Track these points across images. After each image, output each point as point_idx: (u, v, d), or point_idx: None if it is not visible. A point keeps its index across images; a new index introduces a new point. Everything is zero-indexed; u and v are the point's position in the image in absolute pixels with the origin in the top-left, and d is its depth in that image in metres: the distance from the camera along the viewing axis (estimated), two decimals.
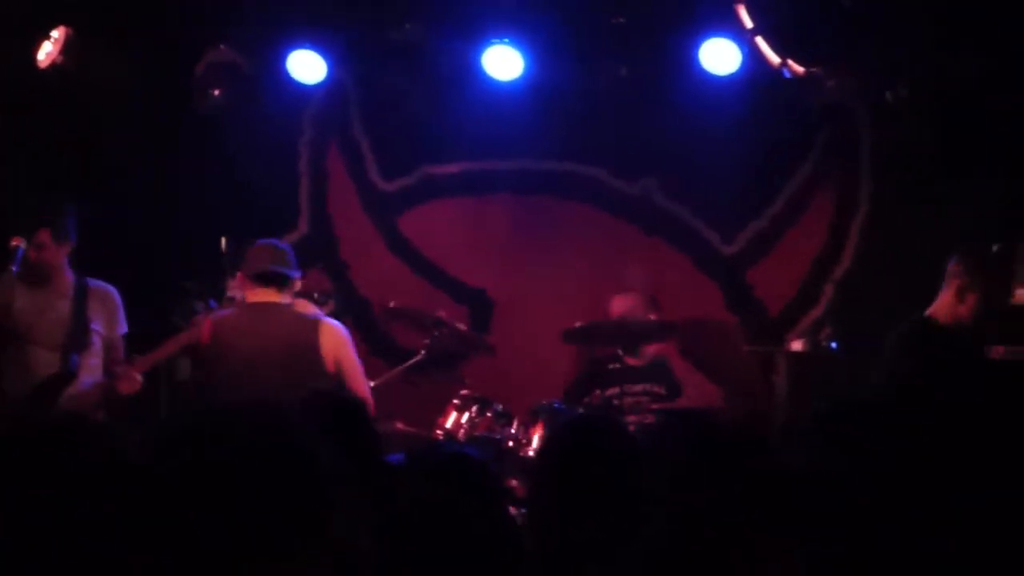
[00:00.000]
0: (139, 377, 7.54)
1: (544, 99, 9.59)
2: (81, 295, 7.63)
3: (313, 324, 7.51)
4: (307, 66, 9.24)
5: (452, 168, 10.41)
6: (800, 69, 8.40)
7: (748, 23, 8.37)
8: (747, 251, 10.13)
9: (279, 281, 7.54)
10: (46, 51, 8.72)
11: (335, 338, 7.53)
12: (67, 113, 9.32)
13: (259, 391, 7.00)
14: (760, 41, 8.39)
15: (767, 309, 10.06)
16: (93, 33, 8.93)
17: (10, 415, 7.41)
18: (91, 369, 7.63)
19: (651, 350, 9.17)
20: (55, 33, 8.69)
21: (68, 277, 7.61)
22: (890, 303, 9.27)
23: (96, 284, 7.72)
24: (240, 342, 7.37)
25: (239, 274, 7.64)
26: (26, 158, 9.41)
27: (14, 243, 7.38)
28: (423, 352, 8.82)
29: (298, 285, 7.70)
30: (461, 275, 10.38)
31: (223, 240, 9.51)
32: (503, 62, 9.04)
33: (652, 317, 8.95)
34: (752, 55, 8.53)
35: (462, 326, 9.09)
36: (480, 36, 9.02)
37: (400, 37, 9.17)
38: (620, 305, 9.04)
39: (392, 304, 9.25)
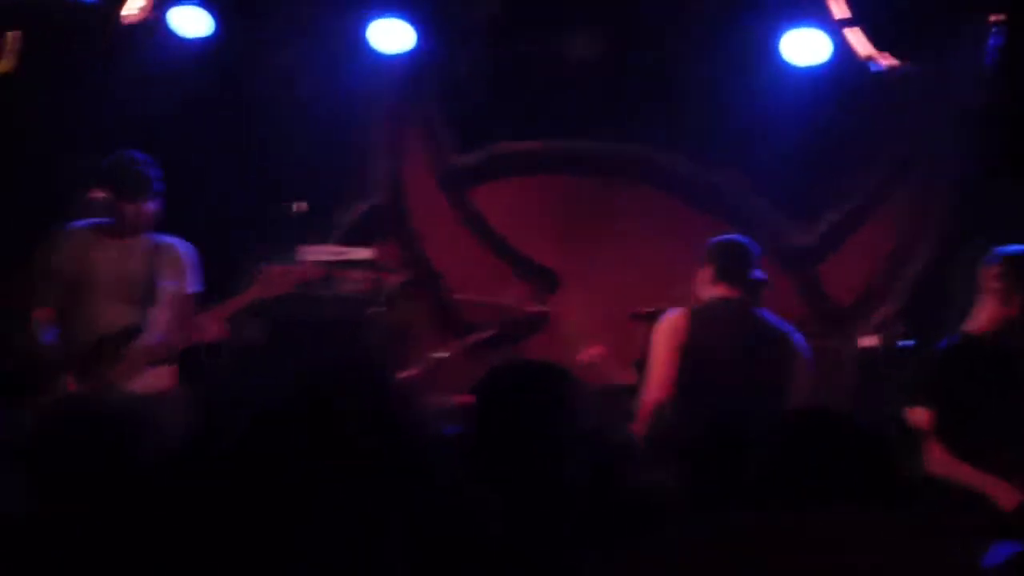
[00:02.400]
0: (218, 325, 7.56)
1: (624, 81, 9.55)
2: (154, 251, 7.67)
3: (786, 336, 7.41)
4: (388, 36, 9.22)
5: (527, 145, 10.37)
6: (888, 62, 8.32)
7: (839, 13, 8.30)
8: (821, 243, 10.05)
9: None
10: (131, 7, 8.74)
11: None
12: (149, 70, 9.35)
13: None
14: (849, 32, 8.32)
15: (839, 303, 9.98)
16: None
17: (79, 367, 7.45)
18: (159, 324, 7.66)
19: None
20: None
21: (145, 234, 7.64)
22: (964, 300, 9.19)
23: (169, 241, 7.76)
24: (718, 341, 7.20)
25: (709, 268, 7.36)
26: (102, 116, 9.46)
27: (93, 196, 7.43)
28: (490, 328, 8.83)
29: None
30: (530, 251, 10.35)
31: (295, 205, 9.54)
32: (584, 42, 9.01)
33: None
34: (839, 46, 8.47)
35: (529, 306, 9.09)
36: (562, 17, 8.99)
37: (483, 10, 9.16)
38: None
39: (459, 296, 9.26)
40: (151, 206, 7.56)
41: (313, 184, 10.04)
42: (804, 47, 8.66)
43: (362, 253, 9.47)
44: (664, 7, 8.93)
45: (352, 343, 9.05)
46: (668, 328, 7.23)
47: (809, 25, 8.53)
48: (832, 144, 9.73)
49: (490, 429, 4.15)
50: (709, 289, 7.32)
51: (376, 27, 9.22)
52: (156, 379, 7.62)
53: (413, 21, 9.19)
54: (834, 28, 8.40)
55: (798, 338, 7.38)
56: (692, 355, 7.13)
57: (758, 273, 7.38)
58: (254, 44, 9.59)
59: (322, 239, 9.87)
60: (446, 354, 8.52)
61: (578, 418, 4.28)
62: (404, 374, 8.61)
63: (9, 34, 8.47)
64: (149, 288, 7.62)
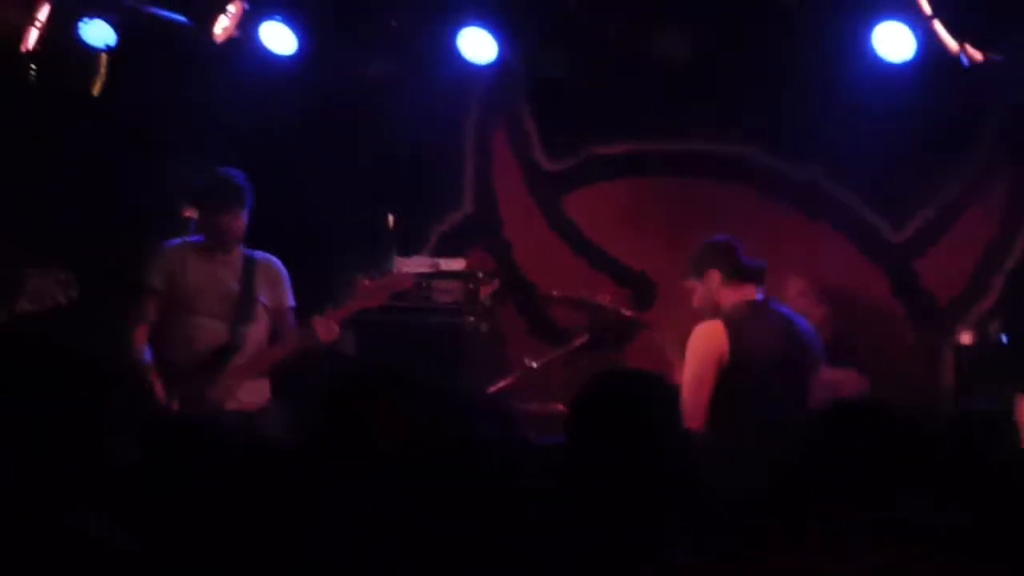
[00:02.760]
0: (336, 327, 7.62)
1: (712, 81, 9.52)
2: (249, 267, 7.74)
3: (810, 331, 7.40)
4: (477, 44, 9.23)
5: (617, 149, 10.35)
6: (979, 56, 8.24)
7: (927, 8, 8.22)
8: (916, 239, 9.94)
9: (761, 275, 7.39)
10: (222, 25, 8.83)
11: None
12: (240, 87, 9.44)
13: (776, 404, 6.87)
14: (938, 26, 8.24)
15: (936, 299, 9.88)
16: (264, 5, 9.04)
17: (177, 385, 7.53)
18: (257, 341, 7.73)
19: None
20: (231, 7, 8.79)
21: (238, 249, 7.71)
22: None
23: (263, 256, 7.84)
24: (760, 348, 7.09)
25: (714, 273, 7.29)
26: (196, 133, 9.57)
27: (187, 214, 7.52)
28: (585, 335, 8.83)
29: None
30: (623, 257, 10.33)
31: (389, 217, 9.60)
32: (672, 43, 8.99)
33: (820, 307, 8.86)
34: (929, 40, 8.39)
35: (625, 310, 9.08)
36: (650, 17, 8.97)
37: (568, 17, 9.16)
38: (793, 288, 8.92)
39: (555, 293, 9.27)
40: (243, 219, 7.63)
41: (406, 195, 10.11)
42: (894, 41, 8.59)
43: (456, 263, 9.52)
44: (752, 3, 8.88)
45: (445, 354, 9.09)
46: (706, 342, 7.08)
47: (898, 19, 8.45)
48: (925, 139, 9.64)
49: (588, 439, 4.15)
50: (725, 295, 7.21)
51: (465, 36, 9.23)
52: (253, 394, 7.69)
53: (498, 29, 9.18)
54: (922, 22, 8.31)
55: (815, 334, 7.35)
56: (735, 367, 6.99)
57: (757, 262, 7.31)
58: (343, 57, 9.64)
59: (416, 250, 9.94)
60: (541, 362, 8.51)
61: (675, 426, 4.29)
62: (500, 383, 8.62)
63: (100, 56, 8.58)
64: (245, 304, 7.69)
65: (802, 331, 7.33)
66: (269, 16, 9.11)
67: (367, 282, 7.87)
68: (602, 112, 10.11)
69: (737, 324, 7.07)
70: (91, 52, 8.74)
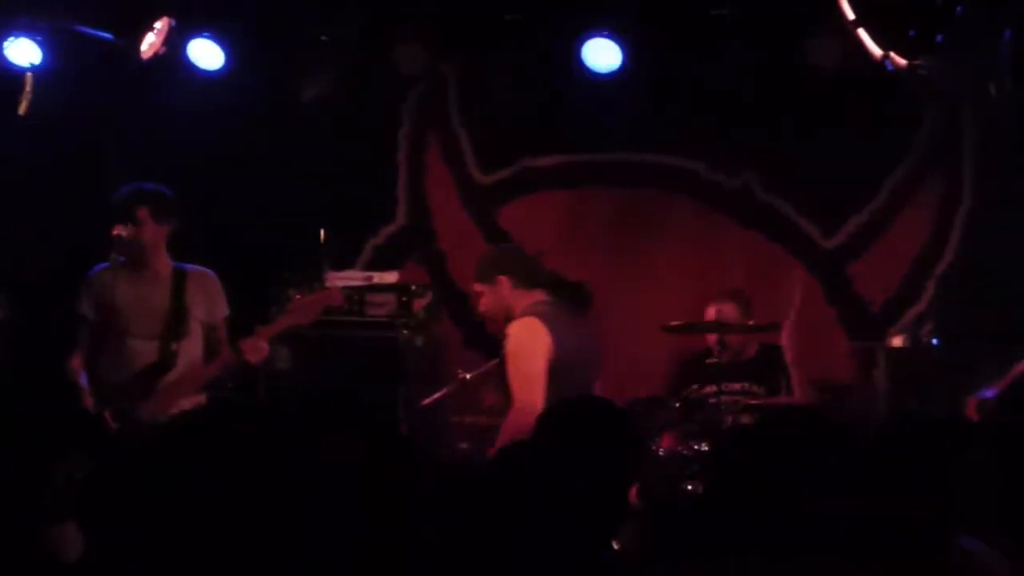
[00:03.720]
0: (265, 346, 7.57)
1: (642, 91, 9.54)
2: (179, 281, 7.67)
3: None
4: (407, 57, 9.23)
5: (550, 161, 10.37)
6: (902, 61, 8.29)
7: (850, 15, 8.27)
8: (848, 245, 10.00)
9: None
10: (149, 42, 8.79)
11: None
12: (169, 104, 9.41)
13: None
14: (862, 33, 8.29)
15: (868, 304, 9.94)
16: (192, 22, 9.01)
17: (108, 406, 7.49)
18: (190, 356, 7.68)
19: (750, 351, 9.13)
20: (158, 24, 8.76)
21: (166, 263, 7.65)
22: (992, 299, 9.16)
23: (194, 269, 7.76)
24: (571, 343, 7.06)
25: (503, 279, 7.25)
26: (125, 151, 9.53)
27: (116, 232, 7.47)
28: None
29: None
30: (559, 268, 10.30)
31: (321, 231, 9.57)
32: (602, 53, 9.00)
33: (750, 322, 8.90)
34: (853, 47, 8.44)
35: None
36: (579, 27, 8.99)
37: (500, 27, 9.17)
38: (715, 313, 8.94)
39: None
40: (167, 230, 7.58)
41: (339, 209, 10.08)
42: (820, 51, 8.65)
43: (389, 276, 9.51)
44: (675, 17, 8.92)
45: (380, 367, 9.07)
46: (533, 335, 6.99)
47: (824, 31, 8.53)
48: (856, 146, 9.70)
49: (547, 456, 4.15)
50: (516, 299, 7.18)
51: (397, 49, 9.22)
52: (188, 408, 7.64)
53: (429, 42, 9.19)
54: (846, 30, 8.36)
55: None
56: (558, 362, 6.93)
57: (545, 272, 7.36)
58: (274, 72, 9.63)
59: (350, 264, 9.93)
60: (475, 373, 8.50)
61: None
62: (434, 395, 8.62)
63: (26, 76, 8.53)
64: (176, 320, 7.64)
65: (594, 329, 7.43)
66: (197, 33, 9.08)
67: (298, 298, 7.82)
68: (534, 124, 10.12)
69: (547, 319, 7.03)
70: (16, 71, 8.67)
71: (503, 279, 7.20)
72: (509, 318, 7.16)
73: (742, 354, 9.07)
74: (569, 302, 7.29)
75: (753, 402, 8.65)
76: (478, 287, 7.31)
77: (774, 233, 10.11)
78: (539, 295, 7.18)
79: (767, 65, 9.11)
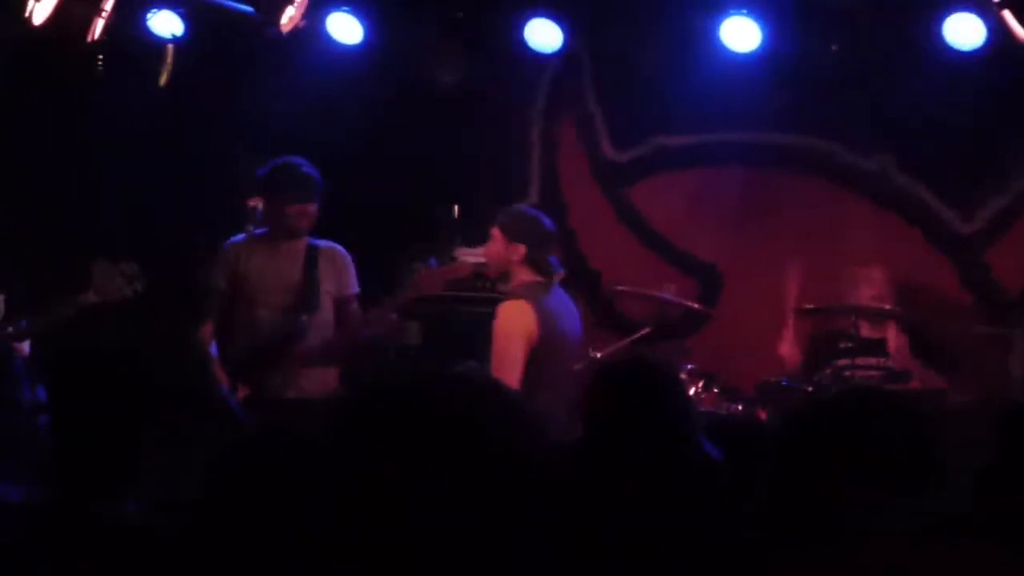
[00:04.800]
0: (394, 317, 7.62)
1: (780, 71, 9.44)
2: (312, 256, 7.74)
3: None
4: (543, 34, 9.22)
5: (684, 139, 10.31)
6: None
7: None
8: (986, 230, 9.82)
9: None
10: (288, 15, 8.85)
11: None
12: (304, 77, 9.47)
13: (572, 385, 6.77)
14: (1007, 15, 8.15)
15: (1005, 290, 9.77)
16: None
17: (241, 377, 7.56)
18: (321, 330, 7.74)
19: (883, 333, 9.03)
20: None
21: (303, 239, 7.73)
22: None
23: (327, 245, 7.83)
24: (561, 328, 7.05)
25: (521, 247, 7.16)
26: (263, 124, 9.61)
27: (252, 204, 7.53)
28: (649, 326, 8.81)
29: None
30: (690, 248, 10.29)
31: (455, 207, 9.61)
32: (741, 33, 8.92)
33: (885, 305, 8.81)
34: (997, 29, 8.31)
35: (690, 302, 9.07)
36: (718, 6, 8.92)
37: (636, 6, 9.13)
38: (853, 295, 8.86)
39: (619, 287, 9.26)
40: (313, 209, 7.64)
41: (471, 185, 10.11)
42: (962, 31, 8.51)
43: None
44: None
45: None
46: (517, 319, 6.93)
47: (966, 10, 8.38)
48: (995, 128, 9.55)
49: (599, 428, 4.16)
50: (519, 271, 7.10)
51: (532, 26, 9.22)
52: (317, 383, 7.70)
53: (564, 19, 9.16)
54: (991, 11, 8.22)
55: None
56: (542, 347, 6.88)
57: (555, 260, 7.22)
58: (410, 47, 9.67)
59: (481, 241, 9.94)
60: (604, 352, 8.48)
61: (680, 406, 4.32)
62: None
63: (167, 47, 8.63)
64: (308, 293, 7.70)
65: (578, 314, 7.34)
66: (337, 6, 9.13)
67: (425, 270, 7.86)
68: (669, 102, 10.06)
69: (539, 303, 6.97)
70: (158, 43, 8.78)
71: (520, 247, 7.14)
72: (504, 279, 7.14)
73: (876, 336, 8.98)
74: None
75: (886, 385, 8.56)
76: (497, 234, 7.23)
77: (909, 216, 9.97)
78: (540, 278, 7.12)
79: (905, 44, 8.99)
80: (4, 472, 3.78)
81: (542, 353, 6.86)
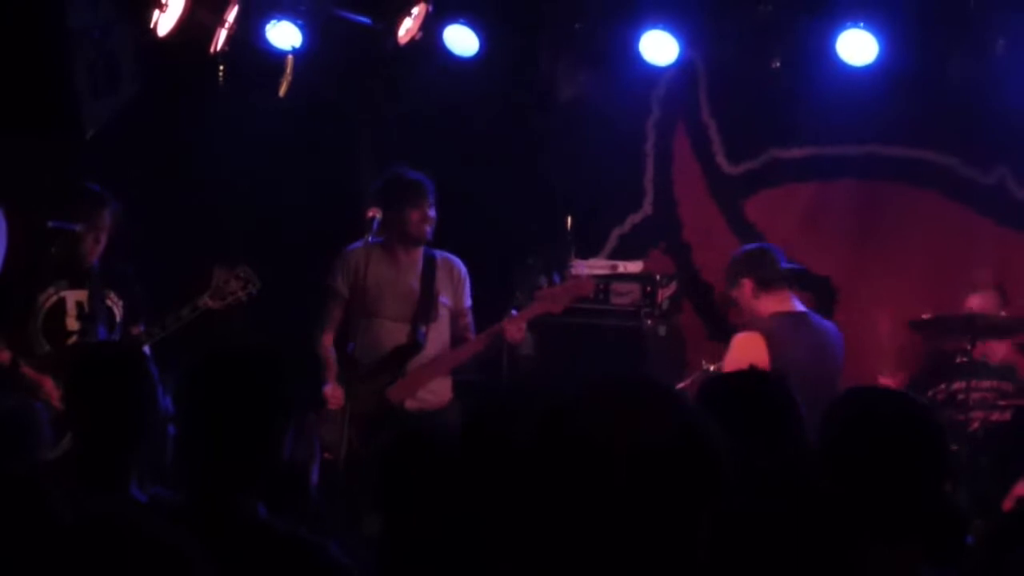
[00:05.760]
0: (524, 328, 7.68)
1: (896, 84, 9.37)
2: (430, 267, 7.80)
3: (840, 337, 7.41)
4: (659, 47, 9.21)
5: (800, 152, 10.26)
6: None
7: None
8: None
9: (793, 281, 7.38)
10: (406, 27, 8.92)
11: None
12: (423, 89, 9.53)
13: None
14: None
15: None
16: (450, 9, 9.10)
17: (361, 386, 7.62)
18: (438, 340, 7.79)
19: (1001, 349, 8.91)
20: (415, 10, 8.88)
21: (420, 249, 7.79)
22: None
23: (444, 256, 7.89)
24: (798, 361, 6.97)
25: (747, 282, 7.33)
26: (380, 135, 9.69)
27: (371, 214, 7.59)
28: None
29: None
30: (804, 261, 10.21)
31: (568, 218, 9.63)
32: (858, 45, 8.86)
33: (1003, 313, 8.69)
34: None
35: None
36: (834, 18, 8.87)
37: (752, 19, 9.10)
38: (974, 303, 8.77)
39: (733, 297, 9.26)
40: (433, 213, 7.70)
41: (585, 197, 10.13)
42: None
43: (634, 266, 9.52)
44: (931, 10, 8.74)
45: (625, 355, 9.10)
46: (745, 353, 6.99)
47: None
48: None
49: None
50: (759, 305, 7.16)
51: (647, 38, 9.21)
52: (434, 394, 7.75)
53: (680, 32, 9.14)
54: None
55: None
56: None
57: (790, 264, 7.19)
58: (524, 59, 9.70)
59: (595, 252, 9.96)
60: (718, 365, 8.46)
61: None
62: (679, 386, 8.60)
63: (287, 58, 8.72)
64: (426, 304, 7.75)
65: (835, 343, 7.27)
66: (453, 19, 9.17)
67: (548, 287, 7.90)
68: (784, 115, 10.02)
69: (774, 335, 7.02)
70: (277, 54, 8.87)
71: (745, 282, 7.19)
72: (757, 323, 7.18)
73: (994, 352, 8.87)
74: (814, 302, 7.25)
75: (1003, 402, 8.47)
76: (730, 293, 7.30)
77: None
78: (784, 295, 7.09)
79: (1021, 57, 8.89)
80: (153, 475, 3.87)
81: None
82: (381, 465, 3.72)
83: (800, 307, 7.34)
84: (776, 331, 7.09)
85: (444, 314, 7.82)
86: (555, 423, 2.48)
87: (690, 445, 2.42)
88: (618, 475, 2.38)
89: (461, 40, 9.26)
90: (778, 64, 9.26)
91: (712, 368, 8.47)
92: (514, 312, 7.76)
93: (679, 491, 2.40)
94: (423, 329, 7.72)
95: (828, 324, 7.46)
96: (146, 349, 7.10)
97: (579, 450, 2.42)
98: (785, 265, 7.34)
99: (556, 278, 8.02)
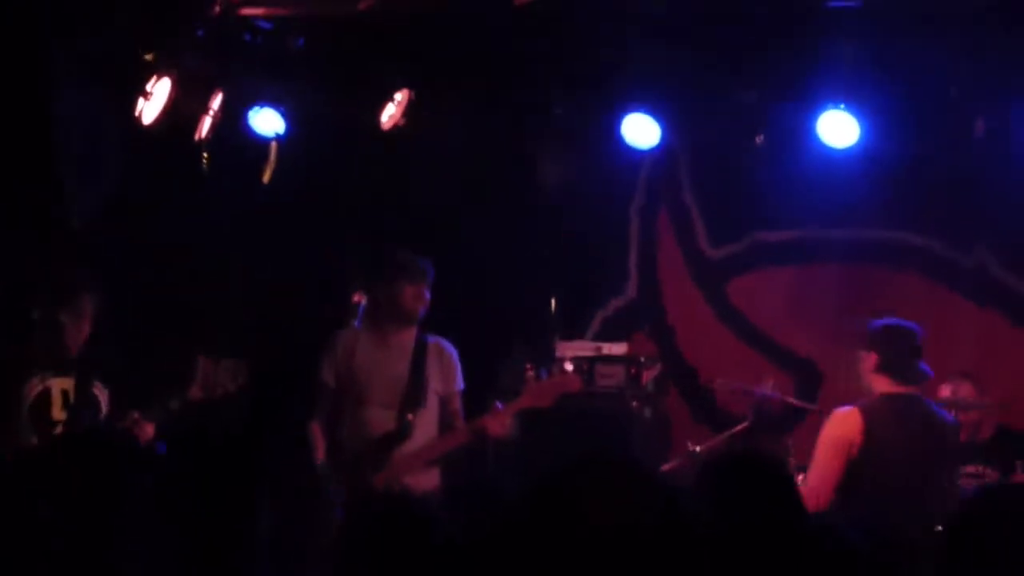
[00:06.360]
0: (509, 422, 7.64)
1: (877, 166, 9.43)
2: (421, 352, 7.75)
3: (955, 429, 7.33)
4: (641, 130, 9.24)
5: (782, 235, 10.31)
6: None
7: None
8: None
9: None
10: (389, 113, 8.96)
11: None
12: (404, 174, 9.57)
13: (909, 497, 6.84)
14: None
15: None
16: (434, 97, 9.14)
17: (346, 473, 7.58)
18: (426, 427, 7.74)
19: (984, 432, 8.92)
20: (398, 96, 8.92)
21: (412, 331, 7.74)
22: None
23: (435, 340, 7.84)
24: (896, 443, 6.98)
25: (872, 355, 7.19)
26: (365, 217, 9.71)
27: (356, 299, 7.58)
28: (747, 420, 8.78)
29: None
30: (789, 344, 10.25)
31: (552, 302, 9.64)
32: (838, 128, 8.89)
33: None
34: None
35: (789, 397, 9.03)
36: (815, 101, 8.92)
37: (734, 102, 9.15)
38: (949, 392, 8.76)
39: (718, 380, 9.25)
40: (427, 292, 7.68)
41: (569, 279, 10.15)
42: None
43: (618, 348, 9.53)
44: (911, 93, 8.79)
45: (610, 437, 9.09)
46: (839, 428, 7.00)
47: None
48: None
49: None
50: (875, 381, 7.11)
51: (628, 121, 9.24)
52: (421, 481, 7.71)
53: (662, 115, 9.19)
54: None
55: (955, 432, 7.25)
56: (866, 458, 6.89)
57: (926, 368, 7.15)
58: (508, 143, 9.75)
59: (579, 334, 9.97)
60: (704, 447, 8.47)
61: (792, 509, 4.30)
62: (663, 468, 8.59)
63: (270, 144, 8.76)
64: (415, 391, 7.69)
65: (944, 428, 7.21)
66: (436, 104, 9.20)
67: (536, 382, 7.87)
68: (766, 197, 10.07)
69: (875, 414, 6.99)
70: (260, 140, 8.91)
71: (872, 356, 7.15)
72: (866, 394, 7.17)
73: (976, 435, 8.87)
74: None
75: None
76: (861, 353, 7.26)
77: (1010, 312, 9.89)
78: (904, 388, 7.09)
79: (1001, 139, 8.94)
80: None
81: (864, 463, 6.89)
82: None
83: (918, 393, 7.26)
84: (878, 410, 7.05)
85: (433, 400, 7.77)
86: (540, 504, 2.49)
87: (671, 524, 2.43)
88: (602, 554, 2.38)
89: (440, 124, 9.29)
90: (760, 147, 9.31)
91: (698, 450, 8.48)
92: (499, 405, 7.73)
93: (661, 569, 2.40)
94: (410, 417, 7.66)
95: (943, 412, 7.39)
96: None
97: (564, 530, 2.43)
98: (924, 368, 7.24)
99: (544, 373, 7.98)
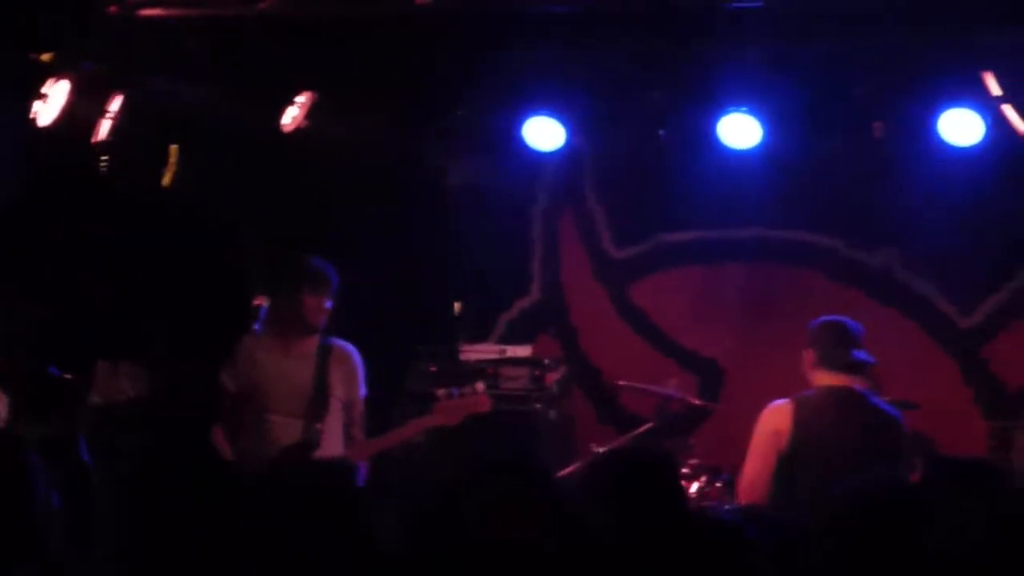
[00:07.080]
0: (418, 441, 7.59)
1: (780, 167, 9.50)
2: (324, 358, 7.59)
3: (895, 421, 7.29)
4: (544, 133, 9.23)
5: (685, 236, 10.37)
6: None
7: (995, 91, 8.19)
8: (986, 324, 9.86)
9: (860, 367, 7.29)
10: (292, 115, 8.89)
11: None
12: (306, 177, 9.50)
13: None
14: (1007, 109, 8.21)
15: (1005, 384, 9.77)
16: (336, 99, 9.08)
17: (248, 485, 7.46)
18: (331, 434, 7.60)
19: None
20: (301, 98, 8.86)
21: (315, 338, 7.60)
22: None
23: (339, 344, 7.67)
24: (826, 433, 7.02)
25: (809, 352, 7.25)
26: (267, 220, 9.63)
27: (257, 303, 7.48)
28: (651, 421, 8.80)
29: None
30: (692, 344, 10.30)
31: (456, 305, 9.62)
32: (740, 130, 8.93)
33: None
34: (997, 124, 8.35)
35: (692, 398, 9.06)
36: (718, 103, 8.95)
37: (637, 104, 9.17)
38: None
39: (622, 383, 9.26)
40: (329, 304, 7.55)
41: (473, 282, 10.13)
42: (961, 126, 8.54)
43: (522, 350, 9.53)
44: (812, 94, 8.85)
45: (514, 440, 9.08)
46: (769, 421, 7.11)
47: (965, 105, 8.41)
48: (994, 223, 9.59)
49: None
50: (815, 376, 7.19)
51: (531, 124, 9.23)
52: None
53: (565, 118, 9.18)
54: (990, 106, 8.27)
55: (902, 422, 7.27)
56: (796, 447, 6.98)
57: (861, 355, 7.23)
58: (411, 146, 9.73)
59: (483, 337, 9.96)
60: (607, 448, 8.46)
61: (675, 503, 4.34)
62: (566, 469, 8.59)
63: (171, 148, 8.67)
64: (318, 399, 7.54)
65: (882, 419, 7.25)
66: (340, 107, 9.15)
67: (446, 400, 7.80)
68: (669, 199, 10.11)
69: (807, 405, 7.05)
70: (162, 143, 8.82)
71: (809, 352, 7.21)
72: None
73: None
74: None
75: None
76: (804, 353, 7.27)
77: (911, 311, 9.99)
78: (838, 378, 7.14)
79: (905, 141, 9.03)
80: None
81: (793, 456, 6.96)
82: None
83: (856, 386, 7.28)
84: (811, 401, 7.10)
85: (336, 407, 7.60)
86: (432, 519, 2.49)
87: (562, 529, 2.43)
88: (498, 564, 2.38)
89: (342, 127, 9.24)
90: (664, 149, 9.34)
91: (602, 451, 8.47)
92: (455, 391, 7.67)
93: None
94: (316, 426, 7.51)
95: (885, 406, 7.41)
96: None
97: (456, 542, 2.43)
98: (856, 355, 7.27)
99: (455, 391, 7.88)
